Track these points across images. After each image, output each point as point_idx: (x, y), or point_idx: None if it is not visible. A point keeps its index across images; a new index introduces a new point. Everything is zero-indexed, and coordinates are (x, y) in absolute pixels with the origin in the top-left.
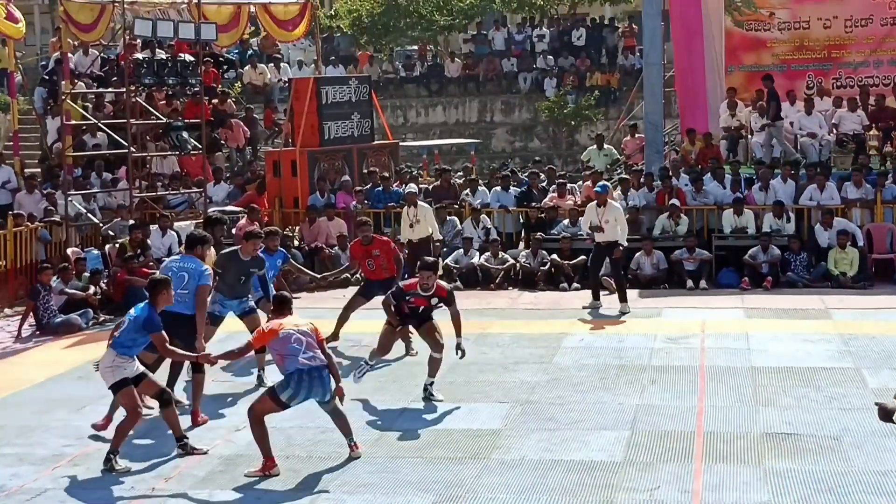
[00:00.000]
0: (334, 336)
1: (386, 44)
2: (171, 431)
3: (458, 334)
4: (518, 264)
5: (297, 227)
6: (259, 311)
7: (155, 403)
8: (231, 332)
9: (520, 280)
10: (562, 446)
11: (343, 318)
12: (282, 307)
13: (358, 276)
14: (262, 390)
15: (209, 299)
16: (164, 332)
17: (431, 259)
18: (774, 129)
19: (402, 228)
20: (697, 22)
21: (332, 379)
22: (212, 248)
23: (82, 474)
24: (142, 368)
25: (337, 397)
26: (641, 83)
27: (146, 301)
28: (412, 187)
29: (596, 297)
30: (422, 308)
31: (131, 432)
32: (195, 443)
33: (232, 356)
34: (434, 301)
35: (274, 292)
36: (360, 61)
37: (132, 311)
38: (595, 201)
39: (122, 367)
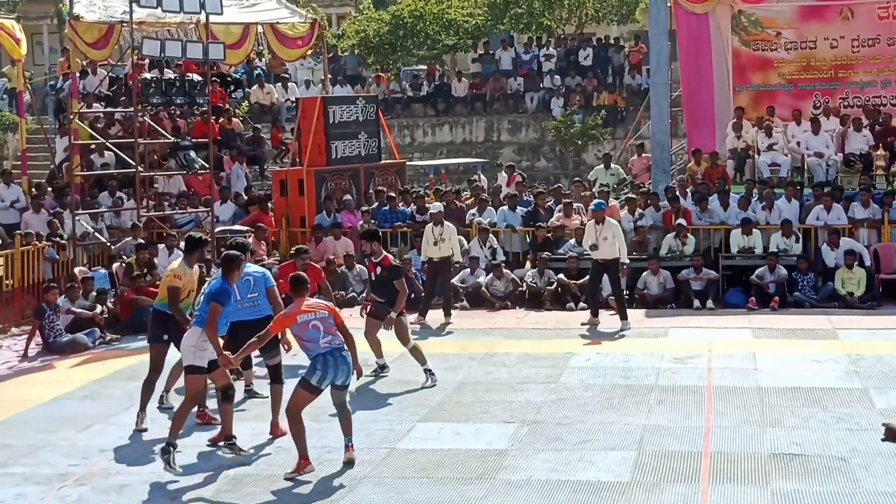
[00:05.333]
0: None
1: (393, 63)
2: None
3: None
4: (525, 284)
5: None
6: None
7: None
8: None
9: (526, 300)
10: (568, 467)
11: None
12: (299, 287)
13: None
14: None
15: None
16: (220, 307)
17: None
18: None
19: (425, 245)
20: (705, 41)
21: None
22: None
23: (88, 494)
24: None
25: (355, 372)
26: (648, 103)
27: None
28: (438, 206)
29: (594, 314)
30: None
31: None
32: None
33: (252, 346)
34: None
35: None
36: (382, 81)
37: (206, 287)
38: (594, 219)
39: (205, 348)
